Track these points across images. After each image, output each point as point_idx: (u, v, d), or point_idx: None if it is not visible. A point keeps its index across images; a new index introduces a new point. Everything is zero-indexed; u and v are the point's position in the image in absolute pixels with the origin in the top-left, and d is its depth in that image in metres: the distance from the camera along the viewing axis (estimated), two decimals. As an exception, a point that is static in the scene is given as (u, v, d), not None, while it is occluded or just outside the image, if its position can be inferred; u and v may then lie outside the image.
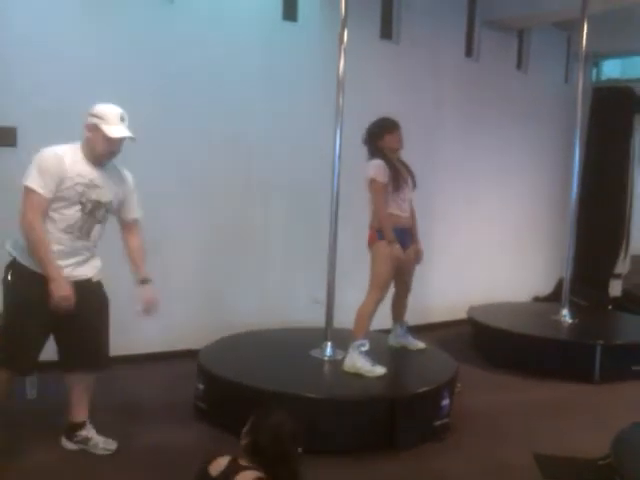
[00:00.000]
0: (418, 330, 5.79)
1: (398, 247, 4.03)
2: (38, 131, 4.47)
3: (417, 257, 4.36)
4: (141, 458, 3.37)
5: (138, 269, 3.43)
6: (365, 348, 3.94)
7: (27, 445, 3.39)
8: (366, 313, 4.03)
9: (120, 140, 3.21)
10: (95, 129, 3.18)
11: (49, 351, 4.47)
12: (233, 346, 4.48)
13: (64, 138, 4.53)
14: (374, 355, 3.99)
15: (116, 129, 3.17)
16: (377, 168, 4.08)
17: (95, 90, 4.61)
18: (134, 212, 3.44)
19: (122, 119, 3.23)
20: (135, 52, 4.77)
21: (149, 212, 4.88)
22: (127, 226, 3.44)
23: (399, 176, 4.13)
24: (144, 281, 3.43)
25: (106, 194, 3.26)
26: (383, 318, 4.40)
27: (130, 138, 3.21)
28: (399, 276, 4.24)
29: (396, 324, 4.50)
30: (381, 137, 4.13)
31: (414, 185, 4.26)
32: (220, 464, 2.25)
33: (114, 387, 4.37)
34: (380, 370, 3.87)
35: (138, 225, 3.46)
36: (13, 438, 3.44)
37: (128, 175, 3.42)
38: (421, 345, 4.47)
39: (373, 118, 4.28)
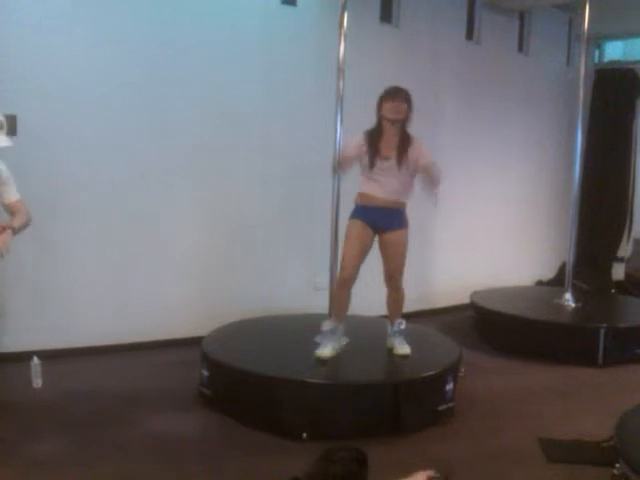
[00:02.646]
0: (421, 315, 5.83)
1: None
2: (38, 119, 4.47)
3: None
4: (147, 444, 3.37)
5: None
6: (325, 328, 3.95)
7: (32, 434, 3.40)
8: (333, 294, 4.05)
9: None
10: None
11: (53, 341, 4.52)
12: (237, 332, 4.49)
13: (64, 125, 4.57)
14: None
15: None
16: (352, 141, 4.02)
17: (94, 76, 4.62)
18: (6, 199, 3.53)
19: (1, 127, 3.38)
20: (132, 39, 4.73)
21: (149, 199, 4.92)
22: (6, 208, 3.55)
23: (376, 154, 3.89)
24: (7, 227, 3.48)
25: None
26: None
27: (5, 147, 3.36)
28: (384, 264, 4.03)
29: (389, 321, 4.22)
30: (380, 104, 3.91)
31: (399, 165, 3.89)
32: None
33: (115, 375, 4.39)
34: (325, 352, 3.86)
35: (18, 206, 3.54)
36: (19, 427, 3.46)
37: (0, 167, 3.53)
38: (405, 351, 4.05)
39: (374, 102, 4.24)
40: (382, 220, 3.94)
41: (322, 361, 3.85)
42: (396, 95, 3.88)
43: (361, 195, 4.01)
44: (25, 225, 3.52)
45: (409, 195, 4.03)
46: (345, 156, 4.06)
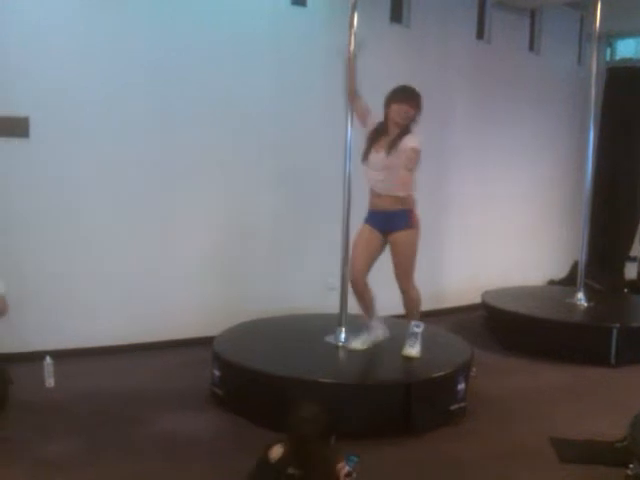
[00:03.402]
0: (433, 315, 5.81)
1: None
2: (50, 121, 4.50)
3: None
4: (159, 444, 3.39)
5: None
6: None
7: (45, 434, 3.43)
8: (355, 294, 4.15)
9: None
10: None
11: (64, 341, 4.55)
12: (248, 332, 4.50)
13: (75, 128, 4.60)
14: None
15: None
16: (374, 118, 4.08)
17: (107, 80, 4.65)
18: None
19: None
20: (140, 40, 4.76)
21: (160, 200, 4.94)
22: None
23: (370, 149, 3.92)
24: None
25: None
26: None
27: None
28: (393, 267, 4.01)
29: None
30: (389, 104, 3.89)
31: (387, 156, 3.81)
32: (278, 451, 2.43)
33: (127, 375, 4.42)
34: (356, 344, 4.08)
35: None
36: (32, 427, 3.49)
37: None
38: (409, 353, 3.98)
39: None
40: (387, 223, 3.93)
41: (333, 356, 4.03)
42: (406, 99, 3.85)
43: (369, 200, 4.04)
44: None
45: (407, 190, 3.84)
46: (359, 110, 4.11)
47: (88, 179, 4.70)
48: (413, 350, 3.99)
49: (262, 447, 2.49)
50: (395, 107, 3.86)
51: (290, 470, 2.38)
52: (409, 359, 3.97)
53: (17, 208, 4.48)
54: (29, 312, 4.46)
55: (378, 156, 3.87)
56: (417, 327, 4.03)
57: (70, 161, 4.61)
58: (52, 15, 4.47)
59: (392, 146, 3.82)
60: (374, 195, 3.98)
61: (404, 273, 3.96)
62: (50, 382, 4.05)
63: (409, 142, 3.79)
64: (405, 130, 3.87)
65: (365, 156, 3.96)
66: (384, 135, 3.92)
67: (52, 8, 4.47)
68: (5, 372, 3.56)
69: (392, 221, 3.91)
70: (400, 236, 3.91)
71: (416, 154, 3.77)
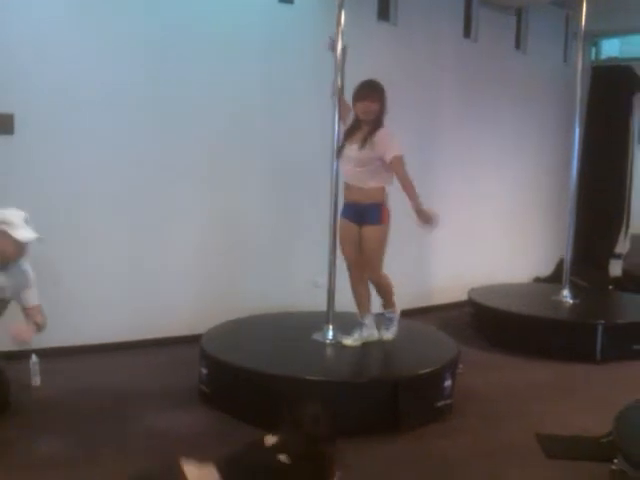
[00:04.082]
0: (419, 312, 5.84)
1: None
2: (36, 118, 4.47)
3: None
4: (146, 442, 3.38)
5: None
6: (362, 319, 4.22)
7: (33, 433, 3.41)
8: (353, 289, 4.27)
9: (28, 243, 3.42)
10: (3, 235, 3.36)
11: (53, 339, 4.51)
12: (235, 330, 4.49)
13: (62, 125, 4.56)
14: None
15: (24, 232, 3.37)
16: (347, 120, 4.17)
17: (94, 77, 4.62)
18: (29, 302, 3.61)
19: (26, 222, 3.42)
20: (133, 37, 4.73)
21: (152, 198, 4.92)
22: (24, 309, 3.63)
23: (344, 144, 4.04)
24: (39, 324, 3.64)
25: (6, 291, 3.51)
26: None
27: (38, 239, 3.41)
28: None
29: None
30: (354, 104, 4.01)
31: (360, 149, 3.92)
32: (272, 440, 2.49)
33: (115, 373, 4.40)
34: (347, 341, 4.11)
35: (35, 310, 3.62)
36: (18, 426, 3.46)
37: (27, 269, 3.60)
38: (388, 336, 4.21)
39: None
40: (360, 215, 4.03)
41: (321, 354, 4.06)
42: (367, 96, 3.94)
43: (344, 193, 4.14)
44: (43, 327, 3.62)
45: (378, 182, 3.97)
46: (342, 107, 4.14)
47: (79, 176, 4.66)
48: (388, 333, 4.17)
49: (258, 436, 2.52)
50: (359, 105, 3.96)
51: (282, 458, 2.40)
52: (396, 354, 4.03)
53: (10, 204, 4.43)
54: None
55: (351, 148, 3.97)
56: (389, 314, 4.21)
57: (61, 159, 4.57)
58: (46, 13, 4.42)
59: (364, 141, 3.92)
60: (347, 188, 4.10)
61: (371, 266, 4.07)
62: (36, 380, 4.02)
63: (386, 146, 3.90)
64: (377, 124, 3.96)
65: (339, 151, 4.07)
66: (358, 130, 4.01)
67: (45, 6, 4.43)
68: (5, 377, 3.60)
69: (364, 214, 4.01)
70: (370, 230, 4.01)
71: (401, 161, 3.90)
